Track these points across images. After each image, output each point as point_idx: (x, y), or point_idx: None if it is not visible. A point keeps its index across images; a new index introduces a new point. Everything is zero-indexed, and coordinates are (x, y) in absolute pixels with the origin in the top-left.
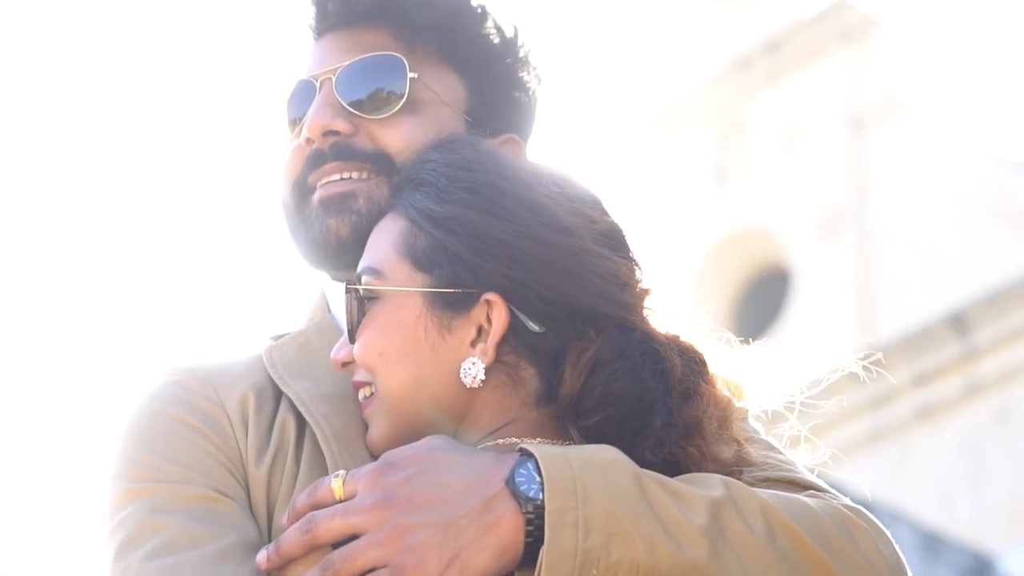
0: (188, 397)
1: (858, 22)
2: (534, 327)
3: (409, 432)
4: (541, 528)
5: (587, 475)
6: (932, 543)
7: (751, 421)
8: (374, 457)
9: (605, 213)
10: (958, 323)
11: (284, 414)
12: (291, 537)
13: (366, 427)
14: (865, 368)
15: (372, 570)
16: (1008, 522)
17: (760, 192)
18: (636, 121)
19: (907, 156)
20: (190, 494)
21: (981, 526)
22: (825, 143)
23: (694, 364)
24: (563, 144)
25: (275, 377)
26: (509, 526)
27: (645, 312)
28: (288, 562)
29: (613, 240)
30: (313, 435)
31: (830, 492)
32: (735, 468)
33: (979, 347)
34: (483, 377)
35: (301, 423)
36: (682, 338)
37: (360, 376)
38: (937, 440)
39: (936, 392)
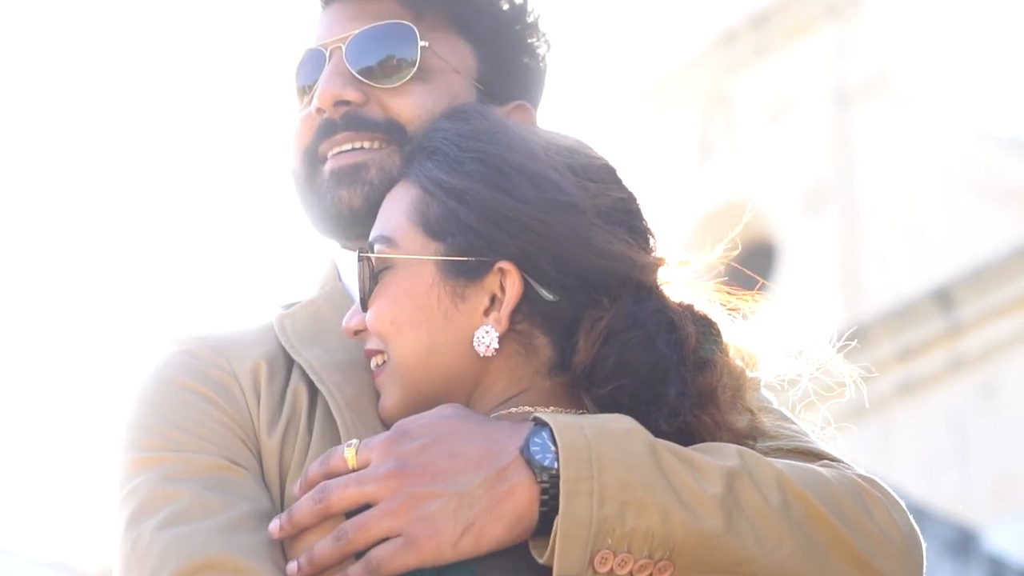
0: (199, 366)
1: None
2: (548, 296)
3: (421, 400)
4: (556, 497)
5: (602, 444)
6: (916, 517)
7: (763, 391)
8: (386, 426)
9: (616, 183)
10: (943, 298)
11: (296, 383)
12: (304, 506)
13: (378, 396)
14: (847, 346)
15: (386, 539)
16: (992, 497)
17: (745, 167)
18: (621, 95)
19: (893, 131)
20: (202, 463)
21: (965, 501)
22: (811, 118)
23: (708, 333)
24: (548, 117)
25: (286, 346)
26: (524, 495)
27: (659, 281)
28: (301, 531)
29: (622, 213)
30: (325, 404)
31: (843, 462)
32: (749, 438)
33: (964, 322)
34: (496, 346)
35: (313, 392)
36: (696, 307)
37: (372, 344)
38: (921, 415)
39: (920, 367)
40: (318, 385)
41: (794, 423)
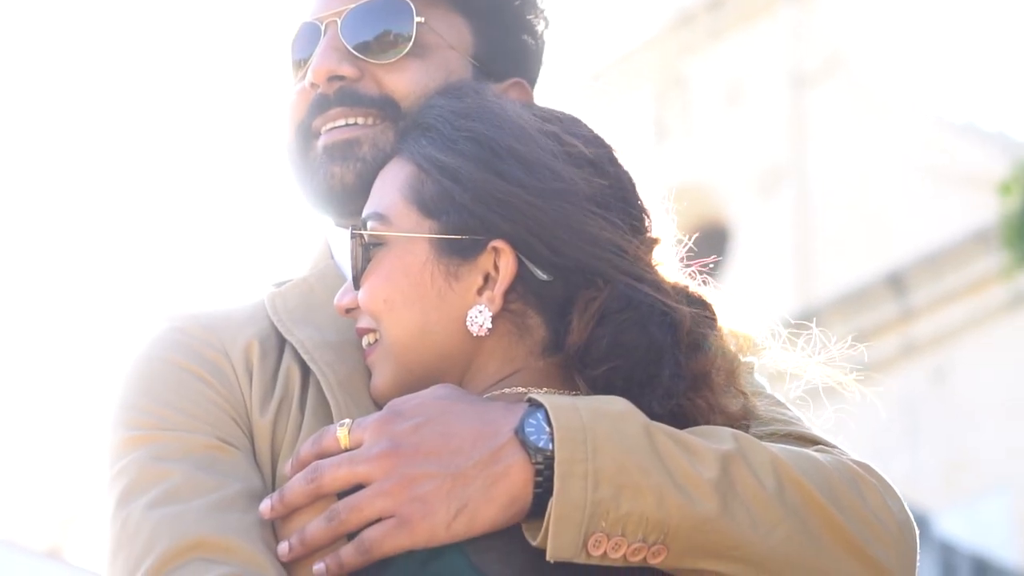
0: (191, 344)
1: None
2: (542, 275)
3: (413, 380)
4: (550, 479)
5: (597, 426)
6: None
7: (756, 376)
8: (378, 405)
9: (612, 163)
10: (896, 283)
11: (288, 362)
12: (295, 486)
13: (371, 375)
14: (801, 329)
15: (378, 520)
16: (943, 482)
17: (701, 149)
18: (576, 75)
19: (848, 115)
20: (194, 443)
21: (916, 486)
22: (767, 101)
23: (703, 315)
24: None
25: (278, 325)
26: (518, 476)
27: (654, 261)
28: (292, 511)
29: (616, 196)
30: (318, 383)
31: (838, 448)
32: (742, 421)
33: (916, 307)
34: (489, 325)
35: (306, 371)
36: (691, 288)
37: (364, 323)
38: (873, 399)
39: (873, 351)
40: (310, 365)
41: (788, 408)
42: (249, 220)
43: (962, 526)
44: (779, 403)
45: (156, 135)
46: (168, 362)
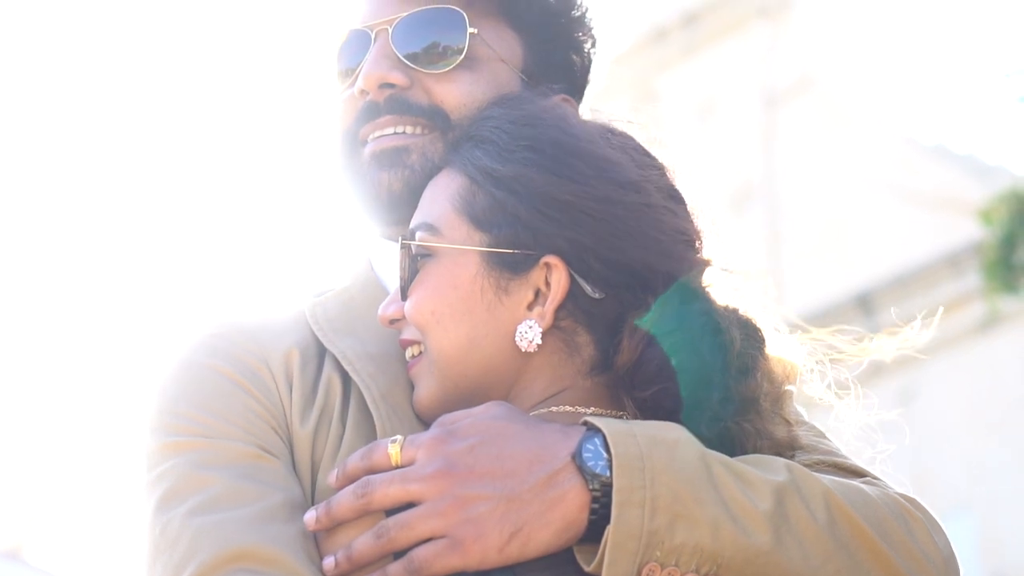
0: (232, 351)
1: None
2: (593, 293)
3: (458, 394)
4: (606, 506)
5: (655, 454)
6: None
7: (796, 405)
8: (420, 418)
9: (666, 180)
10: (864, 303)
11: (330, 372)
12: (344, 500)
13: (412, 388)
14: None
15: (428, 540)
16: None
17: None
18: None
19: (819, 134)
20: (235, 451)
21: None
22: (738, 118)
23: (752, 339)
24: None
25: (319, 334)
26: (574, 502)
27: (705, 283)
28: (338, 524)
29: (678, 197)
30: (359, 395)
31: (882, 480)
32: (787, 448)
33: (884, 328)
34: (539, 341)
35: (347, 382)
36: (741, 311)
37: (409, 334)
38: (839, 419)
39: (839, 371)
40: (353, 376)
41: (828, 439)
42: (288, 230)
43: None
44: (820, 433)
45: (196, 144)
46: (209, 368)
